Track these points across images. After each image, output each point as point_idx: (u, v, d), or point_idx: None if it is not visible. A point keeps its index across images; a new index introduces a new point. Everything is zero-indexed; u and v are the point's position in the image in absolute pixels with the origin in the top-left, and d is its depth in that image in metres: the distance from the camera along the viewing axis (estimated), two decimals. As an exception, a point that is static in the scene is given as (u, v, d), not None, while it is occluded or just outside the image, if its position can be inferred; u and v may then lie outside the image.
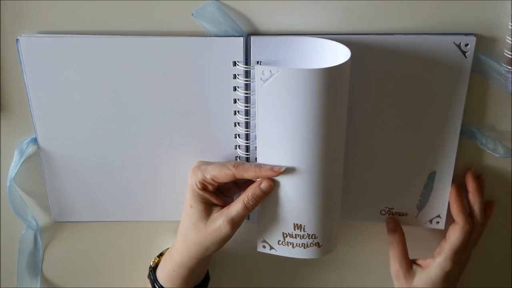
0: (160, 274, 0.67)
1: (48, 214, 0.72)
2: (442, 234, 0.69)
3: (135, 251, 0.75)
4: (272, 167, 0.58)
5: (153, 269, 0.69)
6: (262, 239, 0.64)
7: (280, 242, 0.63)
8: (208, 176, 0.60)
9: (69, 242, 0.74)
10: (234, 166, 0.59)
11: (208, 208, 0.62)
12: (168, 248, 0.70)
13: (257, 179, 0.60)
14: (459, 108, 0.64)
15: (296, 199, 0.60)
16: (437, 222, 0.70)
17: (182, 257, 0.64)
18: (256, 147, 0.60)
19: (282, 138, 0.58)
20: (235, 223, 0.60)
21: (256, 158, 0.61)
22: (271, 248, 0.64)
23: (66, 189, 0.69)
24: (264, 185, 0.59)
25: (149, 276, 0.69)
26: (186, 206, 0.63)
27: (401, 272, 0.68)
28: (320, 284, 0.77)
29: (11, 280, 0.75)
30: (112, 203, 0.70)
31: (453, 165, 0.67)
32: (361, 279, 0.77)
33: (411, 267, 0.68)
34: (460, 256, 0.67)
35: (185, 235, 0.63)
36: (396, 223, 0.69)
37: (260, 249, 0.65)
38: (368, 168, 0.68)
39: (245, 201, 0.59)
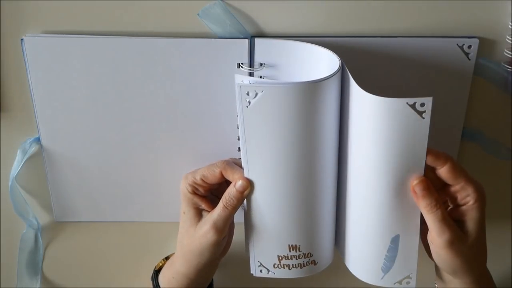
0: (161, 278, 0.67)
1: (49, 213, 0.72)
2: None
3: (135, 252, 0.75)
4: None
5: (156, 272, 0.68)
6: (259, 263, 0.63)
7: (276, 265, 0.62)
8: (198, 178, 0.60)
9: (70, 242, 0.74)
10: (222, 164, 0.59)
11: (198, 213, 0.61)
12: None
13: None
14: (461, 110, 0.65)
15: (289, 219, 0.59)
16: None
17: (180, 265, 0.63)
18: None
19: (271, 157, 0.56)
20: (218, 227, 0.59)
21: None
22: (268, 271, 0.63)
23: (68, 189, 0.69)
24: (239, 184, 0.58)
25: (151, 278, 0.69)
26: (181, 213, 0.62)
27: None
28: (319, 285, 0.78)
29: (11, 280, 0.75)
30: (113, 204, 0.70)
31: None
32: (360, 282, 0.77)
33: None
34: None
35: (181, 242, 0.63)
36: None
37: (257, 274, 0.63)
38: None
39: (223, 202, 0.59)
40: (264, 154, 0.56)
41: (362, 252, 0.61)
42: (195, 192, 0.61)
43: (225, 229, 0.60)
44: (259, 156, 0.56)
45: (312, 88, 0.52)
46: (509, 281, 0.77)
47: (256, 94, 0.52)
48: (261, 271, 0.63)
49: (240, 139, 0.56)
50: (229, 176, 0.59)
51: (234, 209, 0.59)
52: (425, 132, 0.52)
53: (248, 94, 0.52)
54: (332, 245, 0.64)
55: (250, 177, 0.58)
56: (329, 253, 0.64)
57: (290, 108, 0.53)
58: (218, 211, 0.59)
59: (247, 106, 0.53)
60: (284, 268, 0.62)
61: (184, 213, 0.62)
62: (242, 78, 0.54)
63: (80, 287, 0.77)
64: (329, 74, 0.53)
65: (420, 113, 0.51)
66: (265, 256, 0.62)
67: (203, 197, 0.61)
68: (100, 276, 0.77)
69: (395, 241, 0.58)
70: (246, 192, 0.58)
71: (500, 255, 0.75)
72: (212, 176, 0.60)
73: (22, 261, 0.74)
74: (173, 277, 0.65)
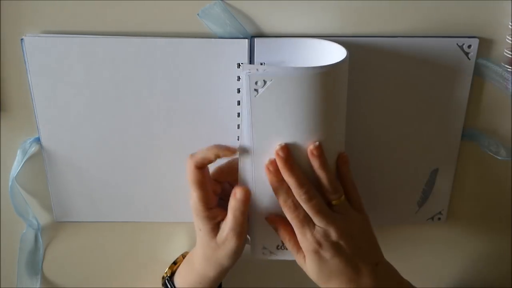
0: (181, 283, 0.67)
1: (49, 213, 0.71)
2: (442, 231, 0.69)
3: (135, 252, 0.75)
4: (227, 147, 0.57)
5: (169, 277, 0.68)
6: (262, 246, 0.63)
7: (279, 247, 0.62)
8: (199, 161, 0.58)
9: (70, 242, 0.74)
10: (190, 156, 0.58)
11: (215, 226, 0.61)
12: (182, 256, 0.70)
13: (236, 187, 0.58)
14: (461, 109, 0.65)
15: None
16: (439, 219, 0.71)
17: (207, 271, 0.63)
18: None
19: (276, 144, 0.55)
20: (237, 233, 0.59)
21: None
22: (271, 253, 0.63)
23: (68, 189, 0.69)
24: (239, 194, 0.57)
25: (164, 285, 0.68)
26: (196, 230, 0.62)
27: (301, 264, 0.62)
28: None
29: (11, 280, 0.75)
30: (113, 204, 0.70)
31: (454, 164, 0.68)
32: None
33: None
34: (311, 236, 0.57)
35: (204, 254, 0.62)
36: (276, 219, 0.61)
37: (259, 255, 0.63)
38: (370, 166, 0.68)
39: (232, 214, 0.58)
40: (271, 141, 0.55)
41: (399, 187, 0.64)
42: (207, 207, 0.60)
43: (244, 232, 0.59)
44: (265, 144, 0.56)
45: (320, 75, 0.52)
46: (509, 281, 0.77)
47: (265, 83, 0.52)
48: (263, 253, 0.63)
49: (243, 127, 0.55)
50: (199, 161, 0.57)
51: (244, 214, 0.58)
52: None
53: (256, 83, 0.52)
54: None
55: (255, 164, 0.57)
56: None
57: (298, 96, 0.53)
58: (231, 219, 0.58)
59: (255, 96, 0.53)
60: (287, 249, 0.61)
61: (200, 230, 0.61)
62: (249, 67, 0.53)
63: (80, 287, 0.77)
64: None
65: None
66: (268, 238, 0.62)
67: (215, 208, 0.61)
68: (100, 276, 0.77)
69: (433, 174, 0.63)
70: (248, 198, 0.57)
71: (500, 255, 0.75)
72: (192, 173, 0.58)
73: (22, 261, 0.74)
74: (200, 282, 0.65)
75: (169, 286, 0.67)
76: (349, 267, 0.57)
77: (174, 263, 0.70)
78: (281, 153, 0.55)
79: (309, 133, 0.55)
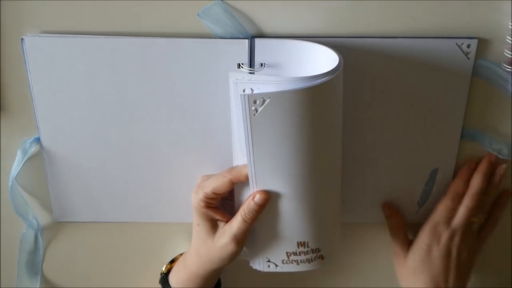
0: (174, 280, 0.67)
1: (49, 214, 0.71)
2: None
3: (135, 252, 0.75)
4: None
5: (165, 275, 0.69)
6: (267, 259, 0.63)
7: (285, 261, 0.62)
8: (209, 192, 0.59)
9: (70, 242, 0.74)
10: (228, 172, 0.58)
11: (214, 224, 0.61)
12: (180, 254, 0.71)
13: (252, 192, 0.59)
14: (461, 109, 0.65)
15: (297, 217, 0.59)
16: None
17: (197, 269, 0.64)
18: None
19: (280, 160, 0.55)
20: (238, 240, 0.59)
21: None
22: (276, 266, 0.63)
23: (68, 190, 0.69)
24: (258, 197, 0.57)
25: (161, 281, 0.69)
26: (194, 224, 0.62)
27: (399, 253, 0.69)
28: (323, 285, 0.78)
29: (11, 280, 0.75)
30: (113, 204, 0.70)
31: (454, 164, 0.68)
32: (363, 281, 0.77)
33: (407, 248, 0.69)
34: (440, 231, 0.67)
35: (197, 250, 0.63)
36: (391, 209, 0.70)
37: (265, 269, 0.63)
38: (370, 167, 0.68)
39: (242, 216, 0.58)
40: (273, 158, 0.55)
41: (399, 187, 0.68)
42: (208, 206, 0.60)
43: (245, 240, 0.60)
44: (267, 160, 0.55)
45: (319, 88, 0.52)
46: (509, 281, 0.77)
47: (264, 102, 0.52)
48: (269, 266, 0.63)
49: (243, 145, 0.55)
50: (239, 178, 0.58)
51: (254, 220, 0.58)
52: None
53: (255, 102, 0.52)
54: (339, 238, 0.64)
55: (257, 181, 0.57)
56: (336, 246, 0.64)
57: (299, 111, 0.53)
58: (238, 225, 0.58)
59: (254, 114, 0.52)
60: (292, 263, 0.62)
61: (198, 225, 0.62)
62: (236, 76, 0.53)
63: (80, 287, 0.77)
64: (330, 66, 0.53)
65: None
66: (274, 252, 0.62)
67: (217, 208, 0.61)
68: (100, 276, 0.77)
69: (433, 174, 0.67)
70: (265, 205, 0.58)
71: (500, 254, 0.75)
72: (223, 187, 0.59)
73: (22, 261, 0.74)
74: (189, 279, 0.65)
75: (164, 282, 0.68)
76: (441, 276, 0.66)
77: (172, 261, 0.71)
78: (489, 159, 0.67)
79: (311, 143, 0.55)
